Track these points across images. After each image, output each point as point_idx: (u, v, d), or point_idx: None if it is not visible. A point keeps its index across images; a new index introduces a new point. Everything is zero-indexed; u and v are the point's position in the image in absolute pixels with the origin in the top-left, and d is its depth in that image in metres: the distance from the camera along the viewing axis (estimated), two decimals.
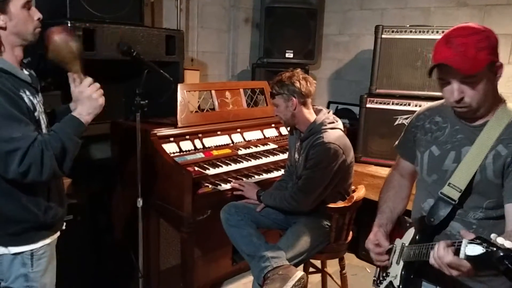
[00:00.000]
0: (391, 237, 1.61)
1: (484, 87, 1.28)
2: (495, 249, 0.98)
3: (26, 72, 1.58)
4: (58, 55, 1.54)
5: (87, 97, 1.56)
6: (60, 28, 1.56)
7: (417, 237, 1.45)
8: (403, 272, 1.45)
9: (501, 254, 0.96)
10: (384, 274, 1.59)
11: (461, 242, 1.07)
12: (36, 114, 1.54)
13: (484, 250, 1.00)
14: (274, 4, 3.75)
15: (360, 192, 2.39)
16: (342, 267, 2.52)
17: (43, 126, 1.59)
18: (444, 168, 1.43)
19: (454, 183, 1.37)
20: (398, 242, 1.55)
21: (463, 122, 1.41)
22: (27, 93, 1.51)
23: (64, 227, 1.81)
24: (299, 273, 2.06)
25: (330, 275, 2.62)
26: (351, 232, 2.45)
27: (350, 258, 2.74)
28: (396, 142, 1.70)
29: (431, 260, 1.18)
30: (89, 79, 1.59)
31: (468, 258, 1.05)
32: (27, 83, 1.54)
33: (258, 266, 2.12)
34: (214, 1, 3.94)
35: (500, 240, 0.98)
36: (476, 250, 1.02)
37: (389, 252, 1.56)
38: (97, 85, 1.60)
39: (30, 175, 1.42)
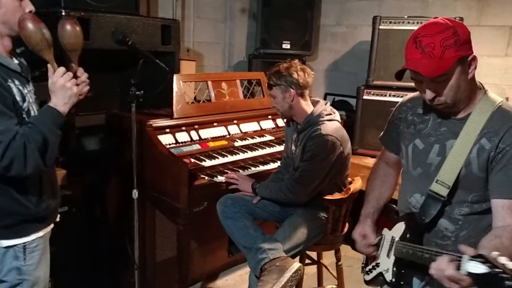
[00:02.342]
0: (377, 224, 1.62)
1: (457, 83, 1.28)
2: (498, 270, 0.99)
3: (16, 61, 1.54)
4: (30, 42, 1.47)
5: (61, 87, 1.49)
6: (31, 15, 1.49)
7: (407, 235, 1.45)
8: (395, 268, 1.46)
9: (504, 276, 0.98)
10: (374, 264, 1.60)
11: (461, 257, 1.09)
12: (25, 105, 1.51)
13: (488, 270, 1.01)
14: None
15: (356, 184, 2.38)
16: (338, 259, 2.52)
17: None
18: (429, 162, 1.43)
19: (442, 180, 1.38)
20: (386, 233, 1.55)
21: (446, 115, 1.41)
22: (16, 82, 1.48)
23: (58, 219, 1.79)
24: (296, 264, 2.06)
25: (326, 267, 2.63)
26: (347, 224, 2.45)
27: (345, 250, 2.74)
28: (381, 134, 1.71)
29: (432, 271, 1.20)
30: (62, 69, 1.51)
31: (470, 275, 1.06)
32: (16, 72, 1.51)
33: (255, 258, 2.12)
34: None
35: (502, 260, 1.00)
36: (479, 268, 1.03)
37: (376, 243, 1.58)
38: (70, 74, 1.52)
39: (13, 169, 1.39)
